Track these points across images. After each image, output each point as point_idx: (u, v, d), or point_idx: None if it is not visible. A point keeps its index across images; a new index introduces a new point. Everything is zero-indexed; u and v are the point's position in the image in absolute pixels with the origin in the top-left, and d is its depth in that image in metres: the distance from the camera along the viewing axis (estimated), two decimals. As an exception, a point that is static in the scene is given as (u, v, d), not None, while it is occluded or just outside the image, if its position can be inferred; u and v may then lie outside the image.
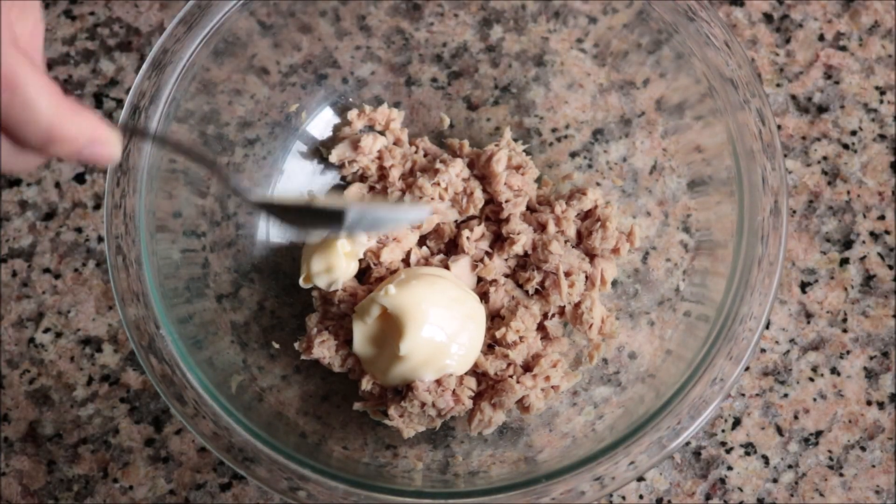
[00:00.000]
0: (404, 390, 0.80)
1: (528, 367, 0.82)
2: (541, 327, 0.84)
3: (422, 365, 0.79)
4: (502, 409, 0.81)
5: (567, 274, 0.83)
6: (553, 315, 0.84)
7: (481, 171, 0.86)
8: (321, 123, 0.89)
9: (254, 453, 0.73)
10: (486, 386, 0.82)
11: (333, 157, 0.87)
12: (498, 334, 0.82)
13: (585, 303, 0.83)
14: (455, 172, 0.85)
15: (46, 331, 0.88)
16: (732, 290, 0.75)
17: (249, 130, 0.86)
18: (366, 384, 0.81)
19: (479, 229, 0.85)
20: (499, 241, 0.85)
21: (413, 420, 0.81)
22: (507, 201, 0.85)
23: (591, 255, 0.84)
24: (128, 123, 0.77)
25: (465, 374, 0.81)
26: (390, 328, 0.79)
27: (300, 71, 0.87)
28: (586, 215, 0.85)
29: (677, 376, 0.76)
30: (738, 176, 0.77)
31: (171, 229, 0.80)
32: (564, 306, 0.84)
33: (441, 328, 0.79)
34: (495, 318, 0.84)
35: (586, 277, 0.83)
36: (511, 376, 0.82)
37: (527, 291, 0.84)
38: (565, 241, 0.84)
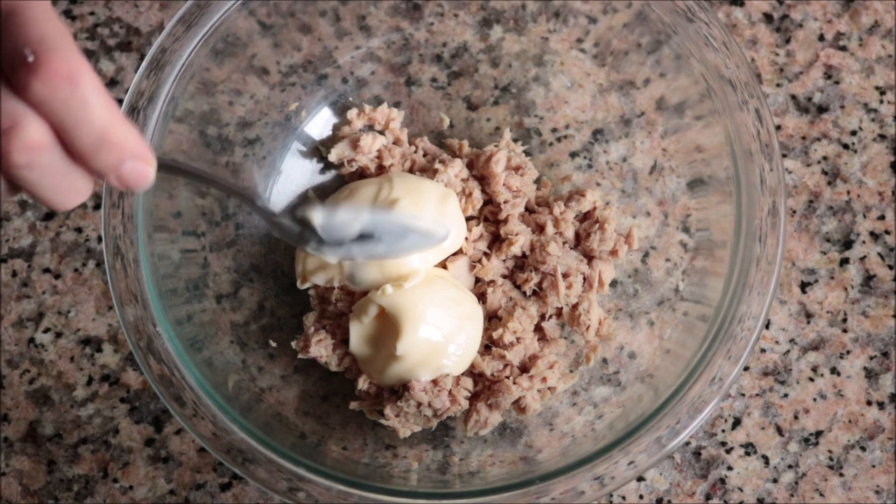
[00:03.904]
0: (401, 390, 0.80)
1: (524, 369, 0.82)
2: (538, 328, 0.84)
3: (418, 365, 0.79)
4: (498, 410, 0.81)
5: (565, 275, 0.83)
6: (550, 316, 0.84)
7: (480, 172, 0.86)
8: (321, 123, 0.89)
9: (253, 454, 0.73)
10: (483, 387, 0.82)
11: (333, 156, 0.87)
12: (495, 335, 0.82)
13: (583, 304, 0.83)
14: (454, 173, 0.85)
15: (46, 331, 0.88)
16: (731, 289, 0.75)
17: (249, 130, 0.86)
18: (362, 384, 0.82)
19: (478, 230, 0.85)
20: (497, 241, 0.85)
21: (409, 420, 0.81)
22: (505, 202, 0.84)
23: (590, 257, 0.84)
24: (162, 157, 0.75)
25: (462, 374, 0.81)
26: (387, 328, 0.79)
27: (300, 71, 0.87)
28: (585, 217, 0.85)
29: (676, 376, 0.76)
30: (735, 176, 0.77)
31: (170, 229, 0.80)
32: (562, 308, 0.84)
33: (438, 328, 0.79)
34: (492, 319, 0.84)
35: (584, 279, 0.83)
36: (508, 377, 0.81)
37: (524, 292, 0.84)
38: (563, 243, 0.84)
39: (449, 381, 0.80)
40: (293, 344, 0.83)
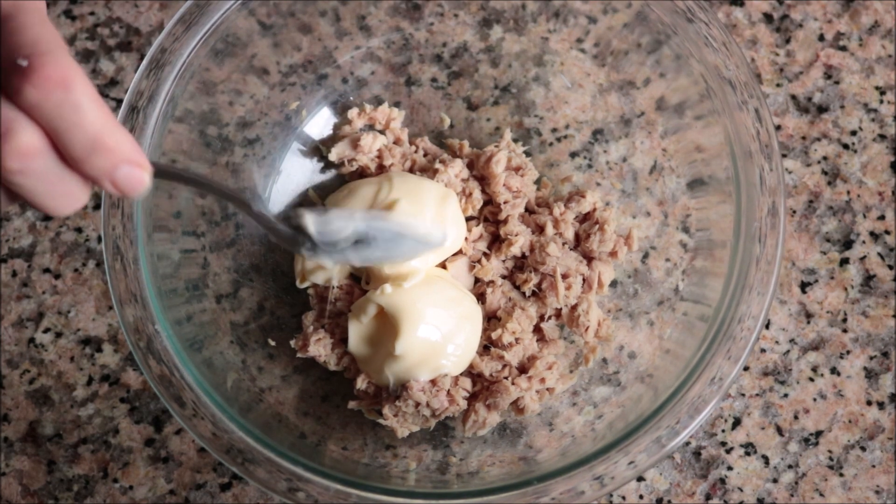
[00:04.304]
0: (399, 390, 0.80)
1: (523, 369, 0.82)
2: (537, 329, 0.84)
3: (417, 365, 0.79)
4: (497, 411, 0.81)
5: (564, 276, 0.83)
6: (549, 317, 0.84)
7: (480, 172, 0.86)
8: (321, 122, 0.89)
9: (252, 454, 0.73)
10: (482, 387, 0.82)
11: (333, 155, 0.87)
12: (494, 335, 0.82)
13: (582, 305, 0.83)
14: (454, 173, 0.85)
15: (46, 331, 0.88)
16: (730, 290, 0.75)
17: (249, 130, 0.86)
18: (361, 383, 0.81)
19: (478, 230, 0.85)
20: (497, 242, 0.85)
21: (407, 420, 0.81)
22: (505, 202, 0.84)
23: (589, 258, 0.84)
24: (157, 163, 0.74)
25: (461, 374, 0.81)
26: (386, 327, 0.79)
27: (300, 71, 0.87)
28: (585, 218, 0.85)
29: (676, 376, 0.76)
30: (735, 176, 0.77)
31: (170, 229, 0.80)
32: (561, 308, 0.84)
33: (437, 328, 0.79)
34: (491, 320, 0.84)
35: (583, 280, 0.83)
36: (506, 378, 0.81)
37: (524, 293, 0.84)
38: (563, 244, 0.84)
39: (447, 381, 0.80)
40: (292, 343, 0.83)
